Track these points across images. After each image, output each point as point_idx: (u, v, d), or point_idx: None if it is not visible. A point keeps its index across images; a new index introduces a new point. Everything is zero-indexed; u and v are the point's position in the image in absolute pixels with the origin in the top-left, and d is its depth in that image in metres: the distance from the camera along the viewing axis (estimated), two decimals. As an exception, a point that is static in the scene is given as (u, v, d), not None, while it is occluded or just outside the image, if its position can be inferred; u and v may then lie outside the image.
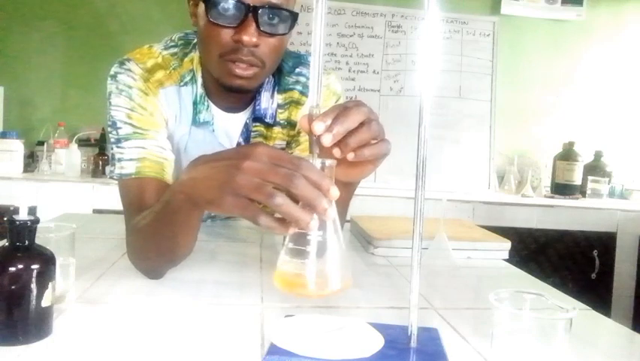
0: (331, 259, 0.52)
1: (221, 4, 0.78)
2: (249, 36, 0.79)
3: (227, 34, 0.81)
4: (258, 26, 0.79)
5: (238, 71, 0.83)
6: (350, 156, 0.58)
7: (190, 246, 0.73)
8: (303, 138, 0.99)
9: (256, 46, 0.81)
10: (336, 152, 0.57)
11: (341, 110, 0.55)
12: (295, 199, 0.50)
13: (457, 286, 0.88)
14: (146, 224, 0.73)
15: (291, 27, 0.83)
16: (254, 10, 0.78)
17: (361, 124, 0.56)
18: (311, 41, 0.53)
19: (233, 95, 0.92)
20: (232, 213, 0.54)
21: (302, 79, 0.99)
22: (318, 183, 0.50)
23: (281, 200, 0.50)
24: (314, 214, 0.50)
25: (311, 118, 0.53)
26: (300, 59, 1.01)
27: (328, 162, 0.53)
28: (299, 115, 0.99)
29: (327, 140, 0.53)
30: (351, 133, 0.56)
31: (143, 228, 0.74)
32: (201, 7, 0.82)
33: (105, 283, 0.75)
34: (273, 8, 0.80)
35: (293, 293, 0.52)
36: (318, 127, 0.52)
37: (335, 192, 0.51)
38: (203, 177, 0.56)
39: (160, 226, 0.70)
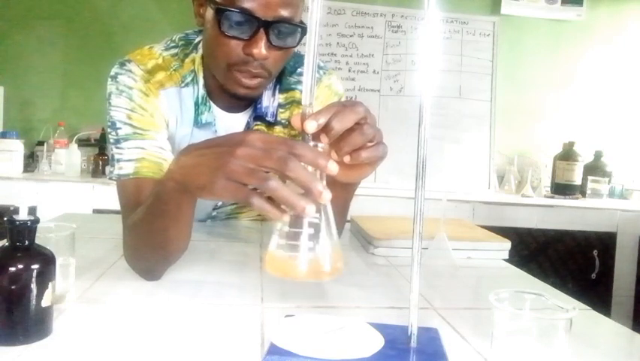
0: (322, 243, 0.51)
1: (234, 18, 0.79)
2: (260, 50, 0.80)
3: (237, 47, 0.81)
4: (268, 40, 0.80)
5: (245, 81, 0.84)
6: (346, 159, 0.58)
7: (183, 241, 0.71)
8: None
9: (265, 59, 0.82)
10: (332, 155, 0.56)
11: (337, 109, 0.54)
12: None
13: (457, 286, 0.88)
14: (138, 219, 0.72)
15: (300, 39, 0.83)
16: (265, 24, 0.79)
17: (357, 124, 0.56)
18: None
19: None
20: (224, 198, 0.53)
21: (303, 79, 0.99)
22: (315, 162, 0.50)
23: (275, 184, 0.49)
24: (309, 199, 0.49)
25: (304, 117, 0.52)
26: (303, 59, 1.01)
27: (320, 145, 0.53)
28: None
29: (324, 140, 0.53)
30: (344, 136, 0.55)
31: (135, 224, 0.73)
32: (211, 14, 0.81)
33: (105, 283, 0.75)
34: (284, 23, 0.80)
35: (281, 276, 0.52)
36: (311, 126, 0.52)
37: (334, 167, 0.50)
38: (194, 164, 0.56)
39: (151, 220, 0.69)
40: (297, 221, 0.51)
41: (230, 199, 0.52)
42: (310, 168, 0.51)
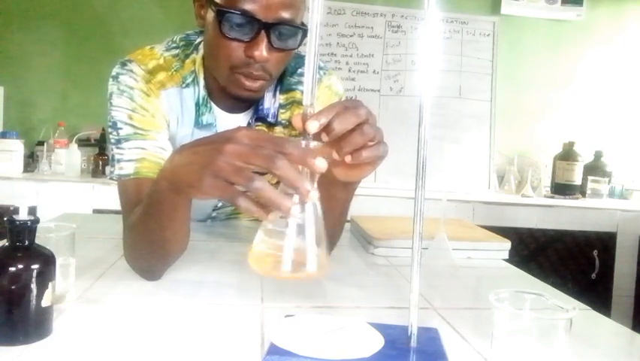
0: (308, 242, 0.51)
1: (235, 20, 0.78)
2: (261, 52, 0.80)
3: (238, 49, 0.81)
4: (269, 42, 0.80)
5: (246, 84, 0.84)
6: (347, 159, 0.57)
7: (180, 241, 0.71)
8: None
9: (267, 61, 0.81)
10: (334, 155, 0.56)
11: (338, 110, 0.54)
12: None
13: (457, 286, 0.88)
14: (136, 220, 0.72)
15: (301, 41, 0.83)
16: (266, 26, 0.78)
17: (358, 125, 0.56)
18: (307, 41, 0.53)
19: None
20: (212, 196, 0.53)
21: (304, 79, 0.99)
22: (303, 160, 0.49)
23: (260, 184, 0.49)
24: (295, 199, 0.49)
25: (305, 117, 0.52)
26: (303, 60, 1.01)
27: (313, 143, 0.52)
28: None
29: (324, 140, 0.53)
30: (345, 136, 0.55)
31: (134, 224, 0.73)
32: (212, 16, 0.81)
33: (105, 283, 0.75)
34: (285, 25, 0.80)
35: (266, 274, 0.51)
36: (312, 126, 0.51)
37: (322, 164, 0.50)
38: (184, 163, 0.56)
39: (148, 220, 0.69)
40: (282, 219, 0.51)
41: (218, 197, 0.53)
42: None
